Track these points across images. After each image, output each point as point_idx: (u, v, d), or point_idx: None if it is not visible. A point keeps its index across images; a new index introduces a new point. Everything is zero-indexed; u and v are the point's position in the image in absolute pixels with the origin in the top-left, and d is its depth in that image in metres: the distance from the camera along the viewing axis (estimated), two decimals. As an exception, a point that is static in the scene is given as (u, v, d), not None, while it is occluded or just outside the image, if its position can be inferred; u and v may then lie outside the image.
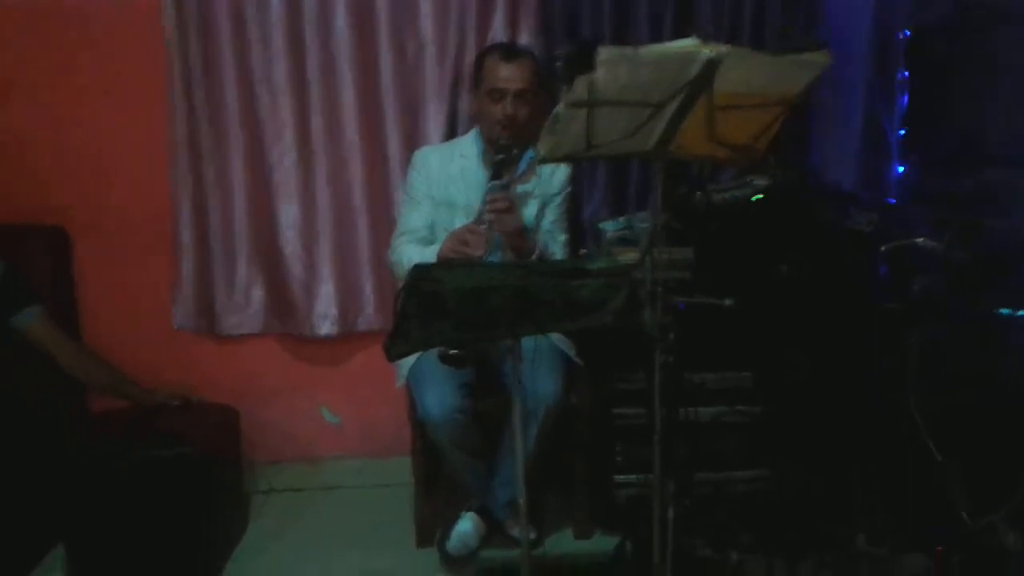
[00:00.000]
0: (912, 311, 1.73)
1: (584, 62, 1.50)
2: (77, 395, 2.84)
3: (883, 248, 1.76)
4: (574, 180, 2.70)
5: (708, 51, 1.51)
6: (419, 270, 1.70)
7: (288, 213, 2.85)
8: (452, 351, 2.04)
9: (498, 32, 2.79)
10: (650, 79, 1.54)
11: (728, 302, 2.12)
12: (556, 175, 2.58)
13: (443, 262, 2.31)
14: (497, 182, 2.34)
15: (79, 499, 2.41)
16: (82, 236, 2.86)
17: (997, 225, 1.68)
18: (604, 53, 1.47)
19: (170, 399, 2.69)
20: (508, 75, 2.40)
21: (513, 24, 2.80)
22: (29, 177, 2.80)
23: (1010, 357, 1.67)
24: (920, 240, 1.71)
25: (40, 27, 2.74)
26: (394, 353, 1.65)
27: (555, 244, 2.59)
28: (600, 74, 1.49)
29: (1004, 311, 1.62)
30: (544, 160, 1.71)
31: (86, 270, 2.88)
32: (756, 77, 1.59)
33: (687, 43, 1.53)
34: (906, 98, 2.69)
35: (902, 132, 2.70)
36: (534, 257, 2.43)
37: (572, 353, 2.51)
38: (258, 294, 2.89)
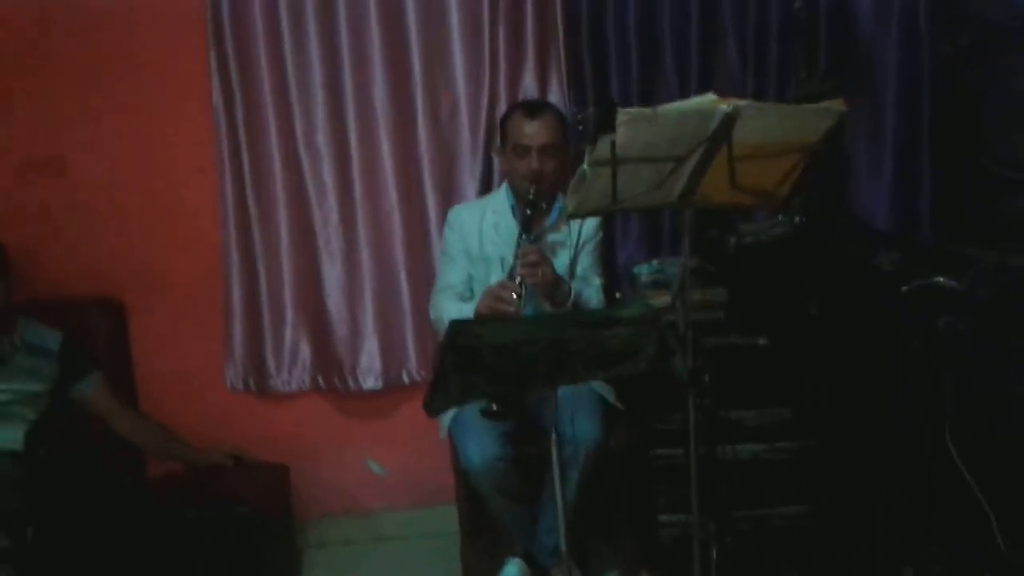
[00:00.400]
0: (937, 349, 1.76)
1: (606, 122, 1.57)
2: (136, 460, 2.93)
3: (904, 288, 1.79)
4: (607, 225, 2.75)
5: (725, 107, 1.58)
6: (456, 326, 1.76)
7: (332, 273, 2.95)
8: (493, 407, 2.09)
9: (528, 87, 2.88)
10: (670, 136, 1.61)
11: (761, 341, 2.15)
12: (587, 222, 2.58)
13: (480, 318, 2.36)
14: (526, 236, 2.40)
15: (138, 559, 2.50)
16: (136, 304, 2.98)
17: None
18: (624, 115, 1.54)
19: (224, 459, 2.77)
20: (532, 132, 2.46)
21: (543, 79, 2.88)
22: (85, 250, 2.93)
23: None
24: (941, 280, 1.74)
25: (91, 101, 2.87)
26: (434, 408, 1.71)
27: (590, 289, 2.61)
28: (621, 134, 1.56)
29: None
30: (572, 216, 1.78)
31: (140, 338, 2.99)
32: (774, 127, 1.65)
33: (705, 100, 1.60)
34: (933, 129, 2.71)
35: (932, 163, 2.72)
36: (569, 304, 2.46)
37: (611, 397, 2.54)
38: (305, 352, 2.98)
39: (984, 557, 1.92)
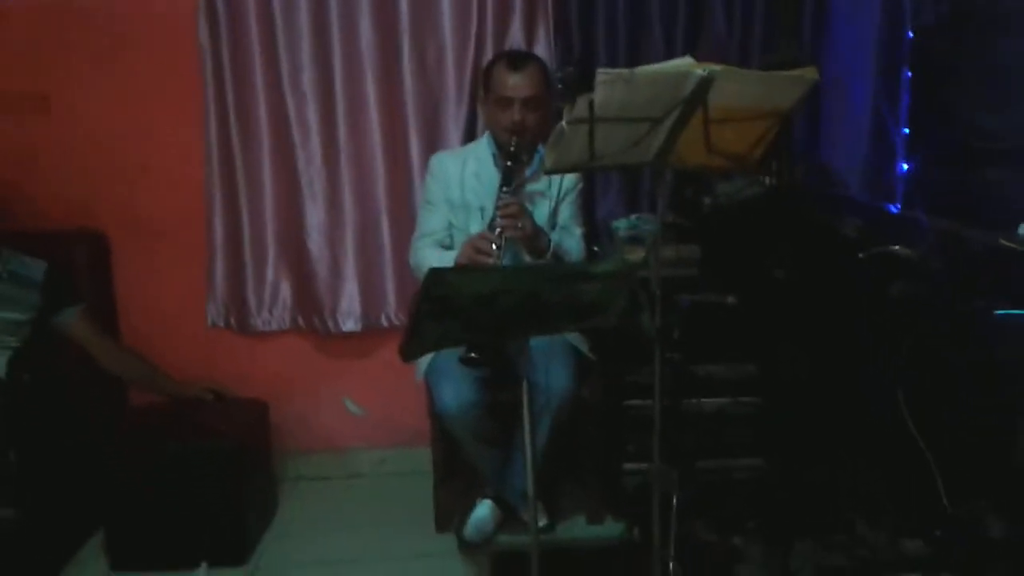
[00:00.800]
0: (891, 314, 1.83)
1: (584, 81, 1.60)
2: (117, 390, 2.99)
3: (861, 255, 1.85)
4: (588, 178, 2.79)
5: (701, 70, 1.61)
6: (434, 274, 1.80)
7: (314, 215, 2.98)
8: (471, 355, 2.15)
9: (515, 35, 2.89)
10: (647, 97, 1.64)
11: (731, 300, 2.21)
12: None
13: (459, 267, 2.39)
14: (507, 188, 2.43)
15: (119, 487, 2.57)
16: (120, 239, 3.02)
17: (976, 234, 1.76)
18: (602, 75, 1.57)
19: (204, 393, 2.84)
20: (515, 83, 2.48)
21: (530, 28, 2.89)
22: (68, 183, 2.95)
23: (988, 353, 1.76)
24: (897, 248, 1.80)
25: (75, 37, 2.88)
26: (409, 354, 1.76)
27: (571, 239, 2.65)
28: (599, 94, 1.59)
29: (979, 312, 1.71)
30: (550, 171, 1.82)
31: (124, 272, 3.04)
32: (748, 93, 1.68)
33: (681, 63, 1.64)
34: (909, 97, 2.75)
35: (906, 131, 2.77)
36: (548, 255, 2.50)
37: (584, 348, 2.60)
38: (286, 292, 3.03)
39: (930, 512, 2.02)
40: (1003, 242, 1.71)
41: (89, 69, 2.90)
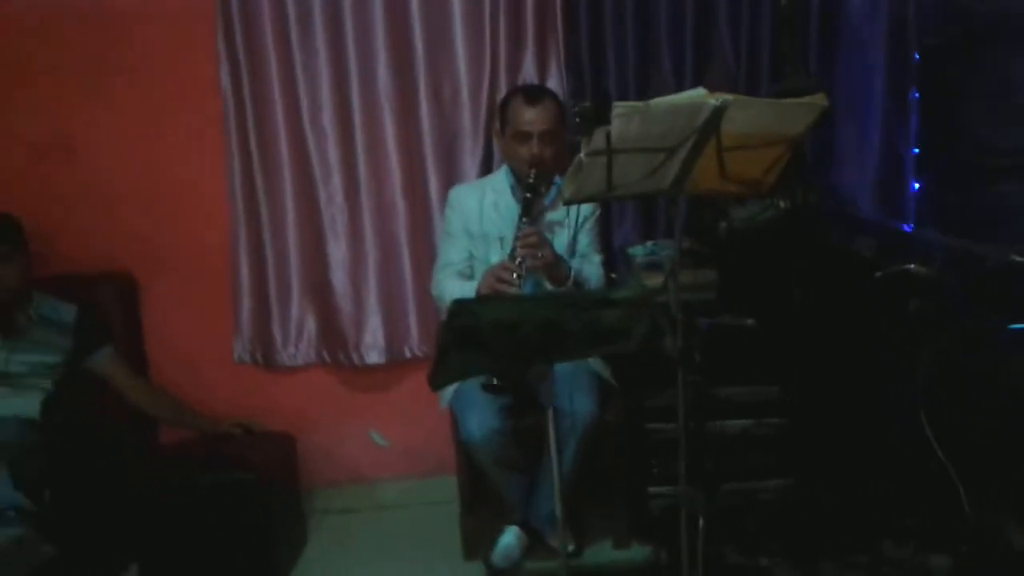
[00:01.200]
0: (909, 331, 1.86)
1: (601, 115, 1.66)
2: (148, 428, 3.04)
3: (877, 273, 1.88)
4: (605, 206, 2.84)
5: (714, 100, 1.66)
6: (457, 305, 1.85)
7: (337, 250, 3.04)
8: (493, 381, 2.19)
9: (528, 70, 2.96)
10: (662, 128, 1.69)
11: (749, 322, 2.25)
12: None
13: (481, 297, 2.44)
14: (526, 219, 2.48)
15: (152, 522, 2.61)
16: (147, 280, 3.08)
17: (989, 251, 1.80)
18: (618, 108, 1.63)
19: (233, 428, 2.88)
20: (532, 118, 2.54)
21: (542, 63, 2.97)
22: (95, 227, 3.02)
23: (1005, 369, 1.79)
24: (912, 267, 1.83)
25: (101, 83, 2.96)
26: (437, 383, 1.81)
27: (591, 266, 2.70)
28: (615, 126, 1.65)
29: (994, 327, 1.74)
30: (569, 202, 1.87)
31: (151, 311, 3.10)
32: (760, 120, 1.73)
33: (694, 94, 1.69)
34: (918, 118, 2.80)
35: (916, 151, 2.81)
36: (569, 283, 2.55)
37: (607, 374, 2.64)
38: (311, 327, 3.08)
39: (955, 526, 2.03)
40: (1015, 258, 1.74)
41: (111, 115, 2.98)
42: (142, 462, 2.84)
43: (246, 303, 3.04)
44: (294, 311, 3.07)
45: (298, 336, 3.09)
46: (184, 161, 3.03)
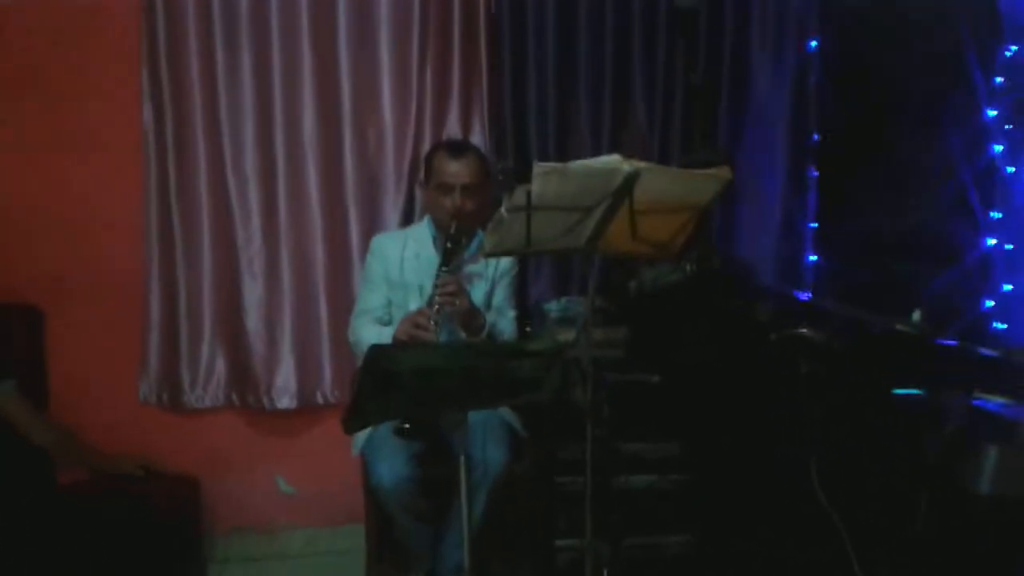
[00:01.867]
0: (801, 392, 1.98)
1: (522, 174, 1.74)
2: (47, 465, 2.93)
3: (772, 336, 2.01)
4: (522, 262, 2.92)
5: (628, 167, 1.77)
6: (375, 350, 1.88)
7: (252, 292, 3.03)
8: (405, 426, 2.21)
9: (452, 125, 3.05)
10: (579, 189, 1.79)
11: (655, 379, 2.34)
12: (503, 258, 2.74)
13: (397, 343, 2.47)
14: (445, 268, 2.52)
15: (48, 563, 2.51)
16: (55, 312, 2.99)
17: (876, 319, 1.94)
18: (539, 168, 1.71)
19: (135, 469, 2.80)
20: (456, 170, 2.60)
21: (466, 118, 3.07)
22: (3, 255, 2.93)
23: (889, 427, 1.92)
24: (804, 331, 1.96)
25: (18, 106, 2.90)
26: (351, 427, 1.82)
27: (504, 320, 2.75)
28: (536, 185, 1.73)
29: (880, 390, 1.87)
30: (489, 255, 1.94)
31: (57, 346, 3.01)
32: (670, 188, 1.85)
33: (610, 160, 1.79)
34: (816, 195, 3.00)
35: (814, 225, 3.00)
36: (483, 334, 2.59)
37: (517, 424, 2.69)
38: (220, 368, 3.04)
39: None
40: (899, 327, 1.88)
41: (22, 140, 2.92)
42: (39, 501, 2.73)
43: (155, 342, 2.99)
44: (204, 351, 3.03)
45: (207, 377, 3.04)
46: (98, 193, 2.99)
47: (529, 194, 1.73)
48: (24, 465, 2.73)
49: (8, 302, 2.91)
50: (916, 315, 1.93)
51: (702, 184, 1.85)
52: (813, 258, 3.01)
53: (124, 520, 2.57)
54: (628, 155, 1.82)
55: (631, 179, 1.77)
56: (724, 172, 1.83)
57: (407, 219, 3.05)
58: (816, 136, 3.03)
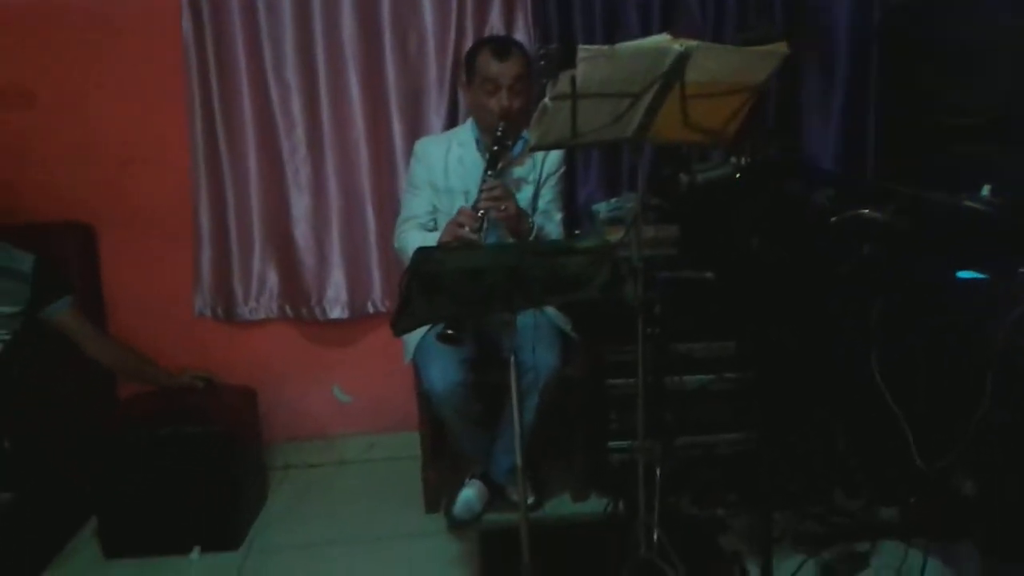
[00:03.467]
0: (861, 275, 1.90)
1: (566, 59, 1.66)
2: (107, 381, 3.01)
3: (833, 219, 1.92)
4: (569, 164, 2.85)
5: (678, 46, 1.67)
6: (421, 253, 1.85)
7: (299, 203, 3.02)
8: (448, 331, 2.20)
9: (495, 23, 2.94)
10: (627, 73, 1.69)
11: (708, 275, 2.28)
12: (550, 156, 2.66)
13: (443, 246, 2.44)
14: (491, 172, 2.47)
15: (111, 475, 2.60)
16: (106, 230, 3.04)
17: (941, 197, 1.84)
18: (583, 52, 1.62)
19: (193, 381, 2.86)
20: (501, 68, 2.52)
21: (509, 15, 2.95)
22: (55, 176, 2.96)
23: (953, 312, 1.84)
24: (865, 211, 1.87)
25: (61, 31, 2.89)
26: (400, 328, 1.81)
27: (551, 223, 2.71)
28: (581, 70, 1.65)
29: (943, 273, 1.79)
30: (535, 148, 1.87)
31: (111, 263, 3.06)
32: (723, 68, 1.74)
33: (659, 39, 1.69)
34: (881, 76, 2.84)
35: (878, 109, 2.85)
36: (531, 238, 2.55)
37: (568, 327, 2.66)
38: (272, 281, 3.06)
39: (904, 476, 2.09)
40: (966, 203, 1.78)
41: (73, 63, 2.92)
42: (102, 415, 2.81)
43: (206, 256, 3.01)
44: (255, 264, 3.04)
45: (259, 290, 3.06)
46: (145, 111, 2.98)
47: (574, 80, 1.65)
48: (84, 379, 2.81)
49: (62, 220, 2.95)
50: (986, 191, 1.82)
51: (758, 61, 1.74)
52: (877, 143, 2.87)
53: (185, 431, 2.61)
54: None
55: (682, 59, 1.67)
56: (780, 47, 1.72)
57: (451, 122, 2.98)
58: (878, 13, 2.85)
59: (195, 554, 2.59)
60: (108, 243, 3.04)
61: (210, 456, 2.60)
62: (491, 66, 2.53)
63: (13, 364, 2.53)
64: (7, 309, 2.52)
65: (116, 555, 2.61)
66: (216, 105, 2.92)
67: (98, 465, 2.60)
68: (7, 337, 2.51)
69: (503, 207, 2.44)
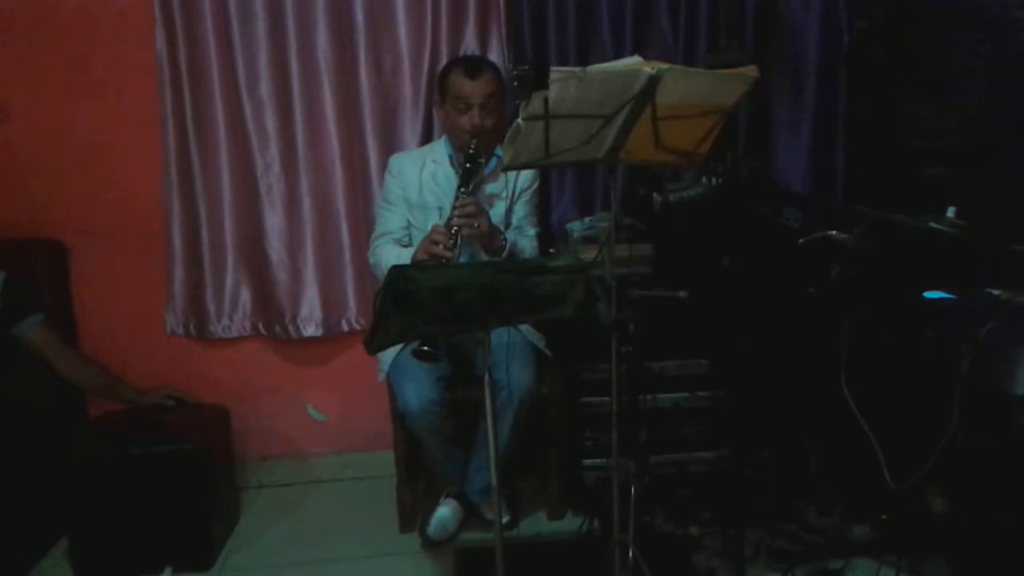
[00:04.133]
0: (829, 295, 1.92)
1: (539, 80, 1.67)
2: (77, 399, 2.97)
3: (801, 241, 1.94)
4: (543, 183, 2.86)
5: (649, 69, 1.68)
6: (396, 270, 1.86)
7: (273, 220, 3.00)
8: (423, 348, 2.20)
9: (469, 42, 2.95)
10: (599, 94, 1.71)
11: (682, 294, 2.29)
12: (523, 173, 2.67)
13: (417, 264, 2.44)
14: (464, 189, 2.48)
15: (82, 494, 2.56)
16: (77, 247, 3.01)
17: (908, 220, 1.87)
18: (555, 73, 1.64)
19: (164, 399, 2.84)
20: (473, 86, 2.53)
21: (483, 35, 2.96)
22: (26, 193, 2.94)
23: (920, 331, 1.86)
24: (833, 233, 1.89)
25: (33, 46, 2.87)
26: (374, 347, 1.80)
27: (525, 239, 2.71)
28: (553, 91, 1.66)
29: (910, 293, 1.81)
30: (507, 168, 1.87)
31: (82, 280, 3.03)
32: (694, 90, 1.76)
33: (630, 62, 1.71)
34: (848, 99, 2.88)
35: (845, 132, 2.90)
36: (504, 254, 2.55)
37: (542, 345, 2.67)
38: (245, 298, 3.05)
39: (876, 493, 2.11)
40: (932, 224, 1.81)
41: (44, 79, 2.90)
42: (72, 433, 2.77)
43: (179, 273, 2.99)
44: (228, 281, 3.03)
45: (232, 307, 3.05)
46: (118, 126, 2.96)
47: (547, 101, 1.66)
48: (54, 397, 2.77)
49: (32, 238, 2.92)
50: (951, 212, 1.85)
51: (728, 84, 1.76)
52: (844, 166, 2.90)
53: (157, 450, 2.58)
54: (651, 59, 1.74)
55: (653, 82, 1.69)
56: (751, 70, 1.75)
57: (426, 140, 2.97)
58: (847, 38, 2.89)
59: (167, 574, 2.56)
60: (79, 260, 3.01)
61: (182, 475, 2.57)
62: (462, 85, 2.54)
63: (-19, 382, 2.51)
64: (-25, 326, 2.49)
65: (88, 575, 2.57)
66: (189, 122, 2.91)
67: (68, 484, 2.56)
68: (-25, 355, 2.48)
69: (475, 224, 2.44)
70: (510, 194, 2.64)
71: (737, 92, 1.78)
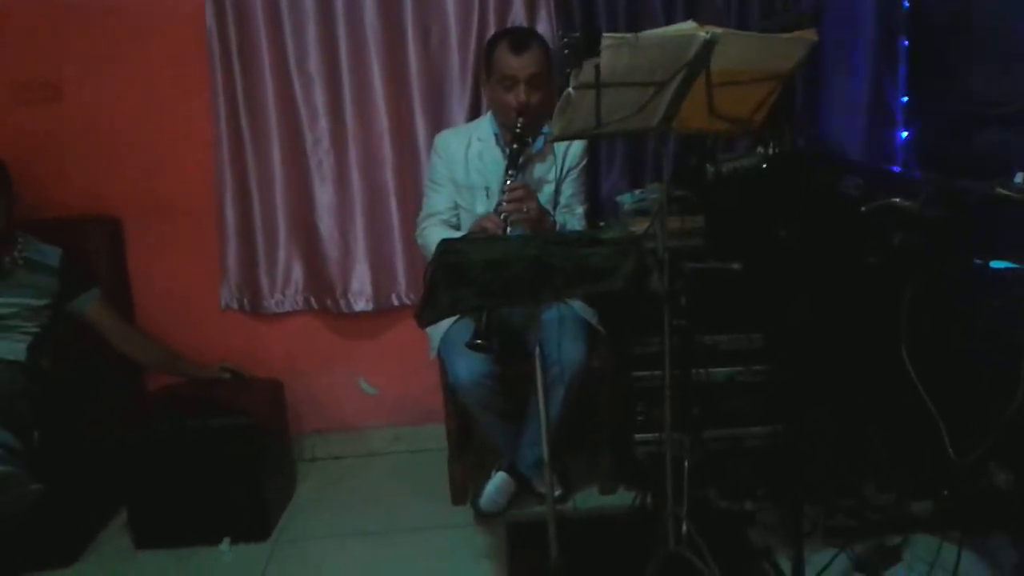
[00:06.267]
0: (891, 265, 1.86)
1: (590, 47, 1.64)
2: (135, 373, 3.03)
3: (863, 209, 1.88)
4: (592, 155, 2.81)
5: (704, 33, 1.64)
6: (445, 244, 1.84)
7: (324, 196, 3.02)
8: (477, 340, 2.20)
9: (518, 14, 2.92)
10: (652, 61, 1.67)
11: (735, 266, 2.25)
12: (572, 149, 2.64)
13: (467, 236, 2.43)
14: (512, 171, 2.44)
15: (141, 466, 2.62)
16: (133, 224, 3.06)
17: (974, 185, 1.79)
18: (607, 40, 1.60)
19: (221, 373, 2.89)
20: (519, 63, 2.47)
21: (531, 7, 2.92)
22: (80, 170, 3.00)
23: (986, 302, 1.79)
24: (897, 200, 1.83)
25: (86, 24, 2.92)
26: (424, 320, 1.80)
27: (573, 218, 2.67)
28: (604, 58, 1.62)
29: (977, 261, 1.74)
30: (557, 138, 1.85)
31: (137, 256, 3.09)
32: (750, 55, 1.71)
33: (685, 26, 1.66)
34: (907, 65, 2.78)
35: (904, 99, 2.80)
36: (553, 236, 2.54)
37: (594, 320, 2.64)
38: (297, 273, 3.08)
39: (938, 468, 2.05)
40: (999, 190, 1.74)
41: (98, 57, 2.95)
42: (130, 407, 2.83)
43: (232, 248, 3.03)
44: (281, 257, 3.06)
45: (285, 282, 3.08)
46: (171, 104, 3.00)
47: (598, 68, 1.63)
48: (113, 372, 2.83)
49: (89, 215, 2.97)
50: (1019, 177, 1.77)
51: (785, 48, 1.70)
52: (905, 134, 2.81)
53: (214, 423, 2.62)
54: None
55: (708, 47, 1.64)
56: (809, 35, 1.69)
57: (474, 114, 2.95)
58: (906, 2, 2.79)
59: (225, 545, 2.62)
60: (135, 237, 3.07)
61: (238, 448, 2.61)
62: (508, 61, 2.49)
63: (42, 357, 2.57)
64: (35, 302, 2.54)
65: (147, 546, 2.65)
66: (240, 98, 2.93)
67: (128, 457, 2.62)
68: (36, 330, 2.54)
69: (525, 208, 2.40)
70: (558, 173, 2.60)
71: (795, 57, 1.72)
